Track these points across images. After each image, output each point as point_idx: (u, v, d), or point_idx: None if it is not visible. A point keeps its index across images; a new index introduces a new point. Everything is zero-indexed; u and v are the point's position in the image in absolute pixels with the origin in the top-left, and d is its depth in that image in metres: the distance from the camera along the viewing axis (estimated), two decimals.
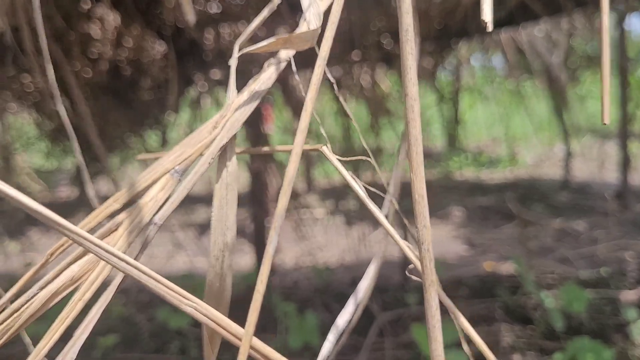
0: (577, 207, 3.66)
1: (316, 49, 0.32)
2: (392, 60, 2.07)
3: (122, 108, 1.99)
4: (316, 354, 1.36)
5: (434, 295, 0.20)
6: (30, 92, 1.96)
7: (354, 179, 0.29)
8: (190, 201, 4.32)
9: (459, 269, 2.46)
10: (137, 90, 1.93)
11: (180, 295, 0.20)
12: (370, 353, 1.66)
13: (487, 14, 0.25)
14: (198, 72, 2.01)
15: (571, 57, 3.72)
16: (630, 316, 1.82)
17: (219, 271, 0.28)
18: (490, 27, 0.23)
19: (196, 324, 1.80)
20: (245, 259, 2.94)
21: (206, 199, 4.11)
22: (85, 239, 0.20)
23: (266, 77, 0.29)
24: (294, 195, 2.60)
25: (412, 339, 1.63)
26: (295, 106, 1.41)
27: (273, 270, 2.41)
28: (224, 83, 2.06)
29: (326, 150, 0.30)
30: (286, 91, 1.41)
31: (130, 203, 0.26)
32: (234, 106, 0.28)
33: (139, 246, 0.25)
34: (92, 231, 0.25)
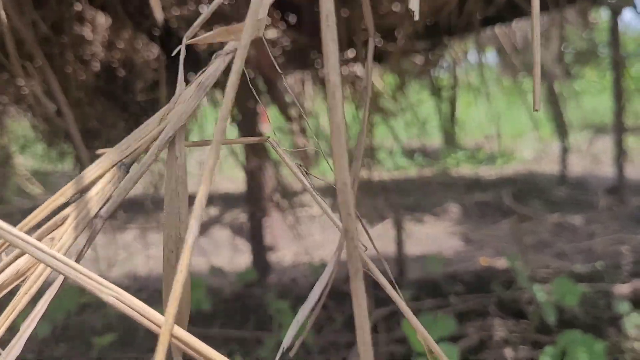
0: (574, 202, 3.67)
1: (263, 39, 0.33)
2: (384, 58, 2.08)
3: (117, 110, 2.01)
4: (309, 351, 1.37)
5: (359, 285, 0.19)
6: (25, 96, 1.98)
7: (300, 169, 0.30)
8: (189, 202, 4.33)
9: (456, 265, 2.48)
10: (132, 91, 1.95)
11: (102, 285, 0.21)
12: None
13: (415, 4, 0.26)
14: (192, 73, 2.03)
15: (566, 53, 3.72)
16: (623, 309, 1.83)
17: (174, 264, 0.28)
18: (417, 16, 0.24)
19: (193, 323, 1.82)
20: (242, 257, 2.96)
21: None
22: (15, 236, 0.21)
23: (213, 70, 0.29)
24: (291, 194, 2.61)
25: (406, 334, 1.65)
26: (283, 107, 1.42)
27: (270, 268, 2.43)
28: (219, 84, 2.08)
29: (272, 141, 0.31)
30: (273, 92, 1.42)
31: (77, 197, 0.26)
32: (182, 99, 0.28)
33: (84, 239, 0.26)
34: (38, 225, 0.26)
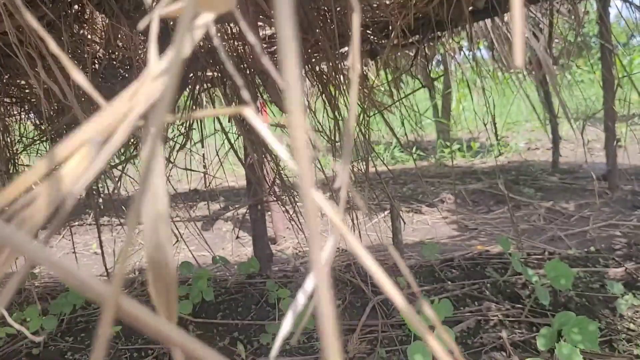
0: (568, 189, 3.73)
1: (235, 10, 0.33)
2: (377, 53, 2.12)
3: None
4: (311, 337, 1.43)
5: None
6: (28, 95, 2.01)
7: (280, 141, 0.31)
8: (192, 197, 4.39)
9: (452, 252, 2.52)
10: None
11: (56, 263, 0.21)
12: (363, 334, 1.72)
13: None
14: (191, 72, 2.07)
15: (558, 44, 3.77)
16: (617, 291, 1.86)
17: (157, 241, 0.27)
18: None
19: (195, 315, 1.86)
20: (245, 250, 3.00)
21: (206, 195, 4.18)
22: None
23: (185, 44, 0.29)
24: (293, 188, 2.66)
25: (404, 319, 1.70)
26: (279, 102, 1.47)
27: (272, 259, 2.48)
28: (218, 84, 2.12)
29: (249, 112, 0.32)
30: (270, 88, 1.46)
31: (49, 175, 0.26)
32: (153, 74, 0.28)
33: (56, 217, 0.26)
34: (10, 205, 0.26)
